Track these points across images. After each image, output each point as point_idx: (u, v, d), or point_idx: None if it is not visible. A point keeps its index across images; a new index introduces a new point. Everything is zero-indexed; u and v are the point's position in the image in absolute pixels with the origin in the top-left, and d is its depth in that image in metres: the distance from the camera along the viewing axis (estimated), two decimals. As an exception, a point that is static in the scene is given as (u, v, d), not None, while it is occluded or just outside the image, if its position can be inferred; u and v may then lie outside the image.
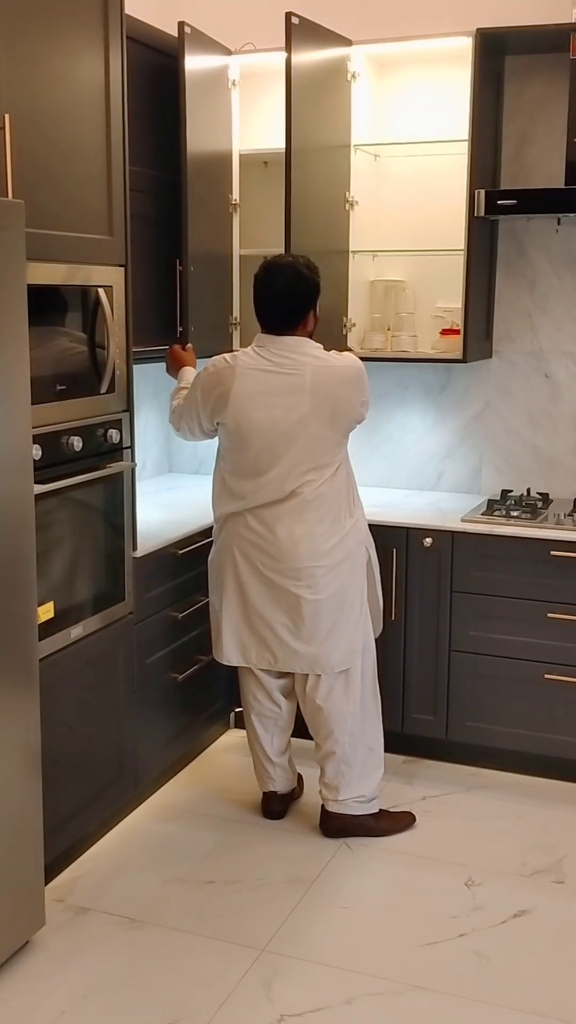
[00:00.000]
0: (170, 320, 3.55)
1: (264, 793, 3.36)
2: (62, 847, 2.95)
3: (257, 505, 3.05)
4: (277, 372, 2.98)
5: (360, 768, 3.20)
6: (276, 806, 3.34)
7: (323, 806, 3.24)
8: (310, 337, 3.06)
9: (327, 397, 2.98)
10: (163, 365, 3.49)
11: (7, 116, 2.46)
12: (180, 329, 3.53)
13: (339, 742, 3.17)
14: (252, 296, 3.04)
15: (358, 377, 3.04)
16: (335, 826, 3.21)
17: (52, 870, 2.94)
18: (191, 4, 3.82)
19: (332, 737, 3.17)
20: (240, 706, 3.90)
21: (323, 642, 3.08)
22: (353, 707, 3.16)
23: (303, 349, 3.01)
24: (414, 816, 3.31)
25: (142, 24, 3.30)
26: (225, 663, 3.22)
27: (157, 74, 3.41)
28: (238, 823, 3.32)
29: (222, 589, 3.15)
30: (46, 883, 2.81)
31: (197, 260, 3.53)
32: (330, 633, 3.08)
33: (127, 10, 2.98)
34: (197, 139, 3.47)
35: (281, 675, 3.25)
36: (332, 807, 3.21)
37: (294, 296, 2.98)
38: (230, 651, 3.18)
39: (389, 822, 3.26)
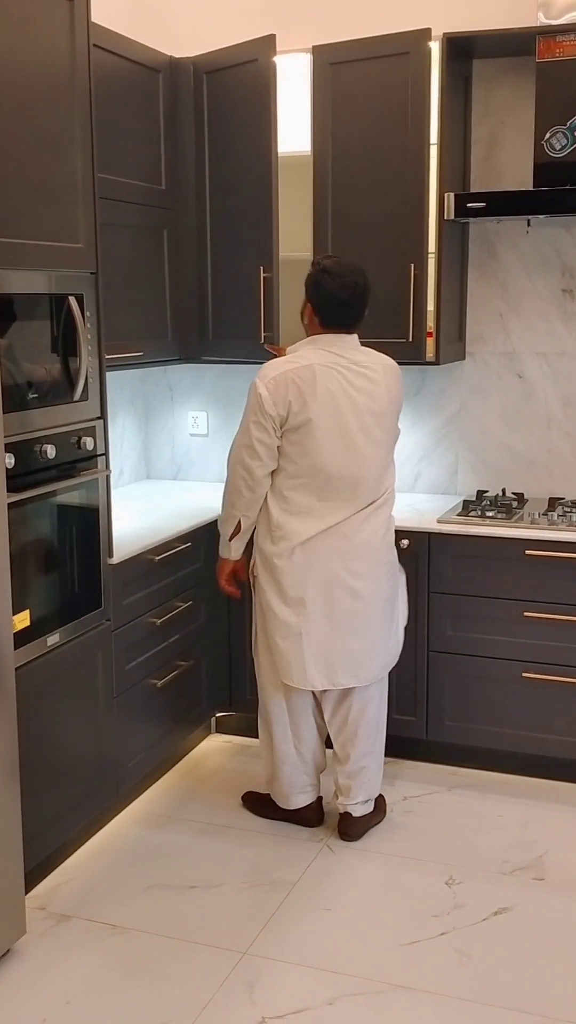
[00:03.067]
0: (156, 324, 3.58)
1: (305, 807, 3.29)
2: (43, 855, 2.95)
3: (352, 513, 3.05)
4: (356, 370, 3.03)
5: (380, 768, 3.30)
6: (320, 809, 3.31)
7: (347, 815, 3.22)
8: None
9: (395, 394, 3.13)
10: (141, 371, 3.49)
11: (-26, 126, 2.47)
12: (266, 334, 3.60)
13: (375, 748, 3.24)
14: (315, 296, 3.04)
15: (401, 374, 3.20)
16: (358, 829, 3.23)
17: (33, 878, 2.94)
18: (157, 13, 3.85)
19: (369, 741, 3.21)
20: (222, 711, 3.93)
21: (393, 640, 3.23)
22: (385, 707, 3.29)
23: (364, 348, 3.11)
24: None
25: (120, 37, 3.32)
26: (307, 688, 3.12)
27: (135, 85, 3.43)
28: (220, 827, 3.33)
29: (306, 612, 3.05)
30: (27, 891, 2.81)
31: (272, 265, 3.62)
32: (393, 631, 3.23)
33: (101, 21, 2.99)
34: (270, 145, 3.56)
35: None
36: (359, 810, 3.23)
37: (366, 295, 3.05)
38: (315, 675, 3.09)
39: (379, 812, 3.34)
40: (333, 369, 3.00)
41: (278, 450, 3.02)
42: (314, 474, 3.00)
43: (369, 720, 3.20)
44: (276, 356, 3.17)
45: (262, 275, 3.61)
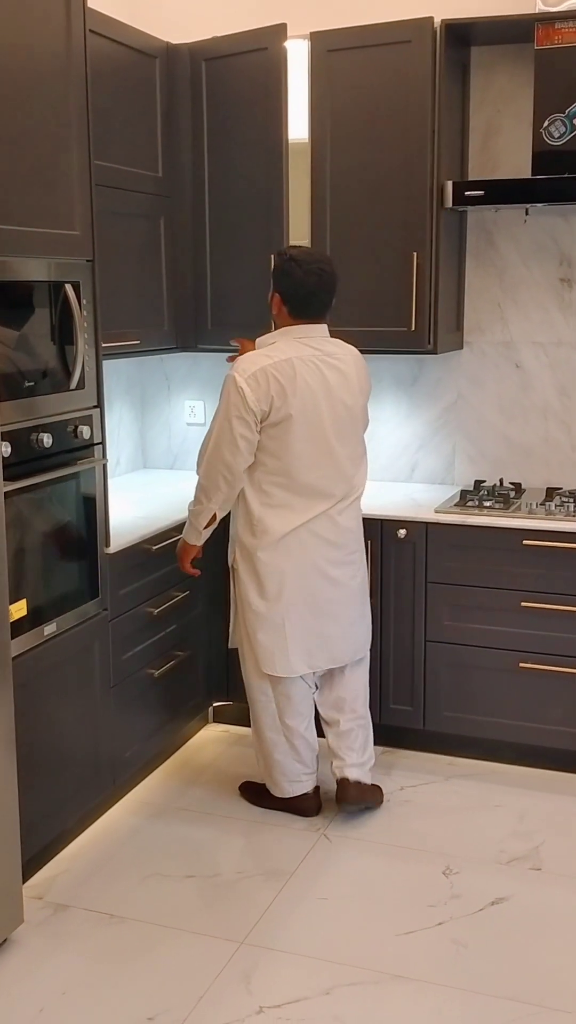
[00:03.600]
0: (153, 313, 3.60)
1: (301, 796, 3.30)
2: (40, 844, 2.94)
3: (329, 506, 3.10)
4: (330, 363, 3.07)
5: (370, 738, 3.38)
6: (317, 799, 3.32)
7: (344, 779, 3.26)
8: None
9: (364, 384, 3.19)
10: (137, 360, 3.48)
11: (-31, 112, 2.45)
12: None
13: (365, 712, 3.34)
14: (283, 285, 3.05)
15: (366, 363, 3.24)
16: (354, 793, 3.26)
17: (30, 868, 2.94)
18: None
19: (357, 708, 3.31)
20: (219, 700, 3.93)
21: (364, 622, 3.31)
22: (367, 685, 3.39)
23: (334, 339, 3.14)
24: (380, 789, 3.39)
25: (116, 22, 3.29)
26: (289, 675, 3.16)
27: (131, 72, 3.41)
28: (217, 817, 3.33)
29: (285, 603, 3.10)
30: (24, 881, 2.81)
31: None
32: (365, 613, 3.31)
33: (101, 9, 2.97)
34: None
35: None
36: (354, 773, 3.26)
37: (334, 283, 3.09)
38: (297, 663, 3.15)
39: (377, 791, 3.37)
40: (311, 363, 3.03)
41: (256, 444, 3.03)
42: (290, 474, 3.05)
43: (357, 694, 3.31)
44: (240, 349, 3.16)
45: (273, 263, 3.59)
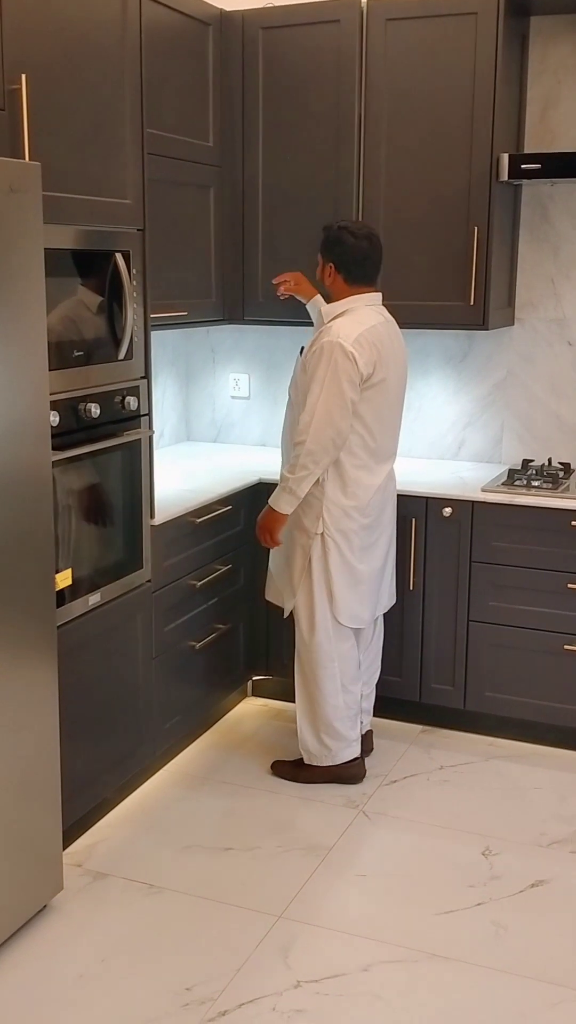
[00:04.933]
0: (201, 284, 3.64)
1: (351, 761, 3.35)
2: (80, 813, 2.96)
3: (391, 466, 3.30)
4: (392, 329, 3.21)
5: None
6: (362, 765, 3.41)
7: (368, 732, 3.54)
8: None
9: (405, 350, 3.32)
10: (183, 332, 3.46)
11: (23, 76, 2.43)
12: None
13: (379, 667, 3.56)
14: (336, 253, 3.15)
15: None
16: (370, 743, 3.55)
17: (70, 835, 2.96)
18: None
19: (377, 664, 3.52)
20: (259, 674, 3.93)
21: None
22: None
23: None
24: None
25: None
26: (364, 626, 3.32)
27: (185, 39, 3.37)
28: (256, 790, 3.33)
29: (374, 557, 3.27)
30: (64, 848, 2.83)
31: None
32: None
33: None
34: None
35: None
36: (367, 723, 3.52)
37: (382, 251, 3.22)
38: (370, 613, 3.33)
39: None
40: (384, 329, 3.14)
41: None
42: (373, 436, 3.15)
43: (378, 652, 3.54)
44: (286, 287, 3.50)
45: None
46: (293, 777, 3.38)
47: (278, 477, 3.20)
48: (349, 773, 3.35)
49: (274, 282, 3.56)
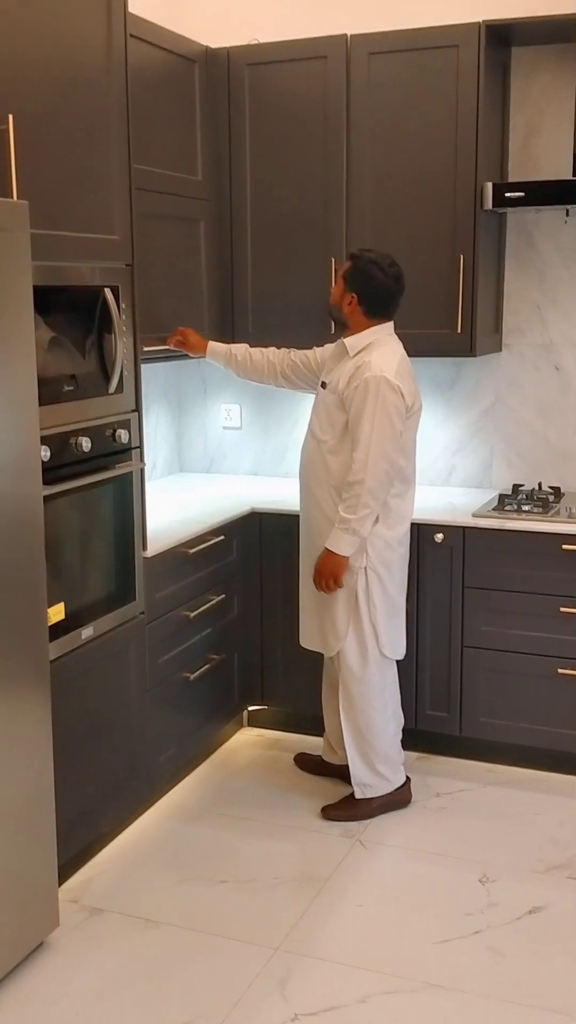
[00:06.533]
0: (192, 316, 3.62)
1: (404, 785, 3.40)
2: (76, 848, 2.95)
3: (415, 492, 3.31)
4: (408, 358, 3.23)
5: None
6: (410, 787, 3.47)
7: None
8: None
9: None
10: (174, 363, 3.47)
11: (11, 116, 2.46)
12: None
13: None
14: (361, 286, 3.12)
15: None
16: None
17: (66, 871, 2.95)
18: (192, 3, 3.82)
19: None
20: (254, 704, 3.92)
21: None
22: None
23: None
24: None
25: (156, 26, 3.30)
26: (399, 657, 3.33)
27: (171, 75, 3.42)
28: (252, 822, 3.32)
29: (404, 588, 3.32)
30: (60, 884, 2.81)
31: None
32: None
33: (140, 13, 2.98)
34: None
35: None
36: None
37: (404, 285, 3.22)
38: (403, 642, 3.35)
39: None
40: (407, 358, 3.19)
41: None
42: (407, 464, 3.19)
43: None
44: (175, 343, 3.45)
45: (334, 267, 3.60)
46: (351, 817, 3.31)
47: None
48: (401, 798, 3.37)
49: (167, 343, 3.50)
